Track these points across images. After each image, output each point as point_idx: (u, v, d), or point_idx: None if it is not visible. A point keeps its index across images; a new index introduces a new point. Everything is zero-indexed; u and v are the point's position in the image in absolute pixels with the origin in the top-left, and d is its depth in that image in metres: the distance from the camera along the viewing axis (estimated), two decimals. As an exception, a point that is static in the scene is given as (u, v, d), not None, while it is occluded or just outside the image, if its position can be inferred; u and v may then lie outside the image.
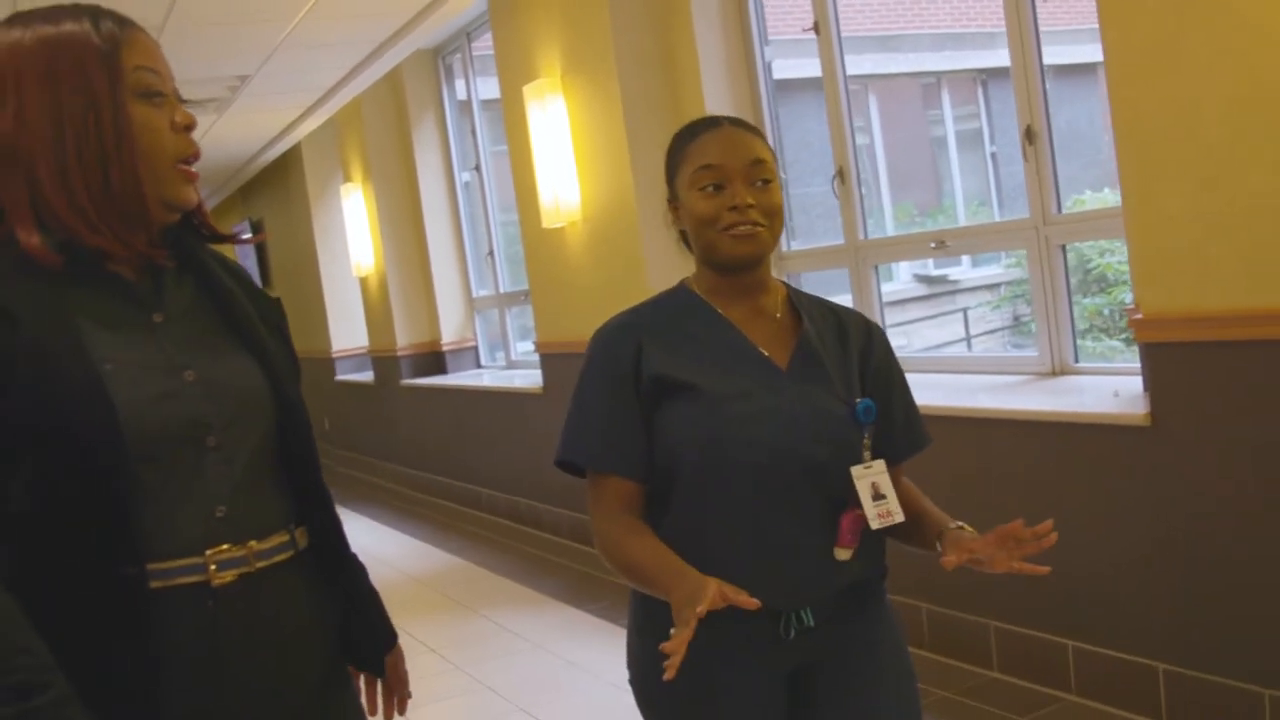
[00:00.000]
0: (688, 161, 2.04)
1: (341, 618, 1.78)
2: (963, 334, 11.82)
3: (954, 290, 12.38)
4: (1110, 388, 3.76)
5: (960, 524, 1.99)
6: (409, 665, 1.99)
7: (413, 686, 1.98)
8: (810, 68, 5.24)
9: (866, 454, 1.99)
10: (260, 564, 1.62)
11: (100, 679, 1.48)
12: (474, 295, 8.88)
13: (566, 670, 4.74)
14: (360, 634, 1.86)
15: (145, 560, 1.51)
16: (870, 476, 1.97)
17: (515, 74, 6.45)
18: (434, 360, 9.05)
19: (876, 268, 4.98)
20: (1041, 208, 4.15)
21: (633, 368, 2.00)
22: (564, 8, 5.90)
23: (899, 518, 1.96)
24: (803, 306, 2.10)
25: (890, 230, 10.73)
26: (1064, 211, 4.24)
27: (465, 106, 8.58)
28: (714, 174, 2.00)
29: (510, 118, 6.62)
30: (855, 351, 2.08)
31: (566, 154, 6.02)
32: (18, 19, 1.60)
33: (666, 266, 5.55)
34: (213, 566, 1.57)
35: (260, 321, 1.73)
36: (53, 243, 1.54)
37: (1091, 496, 3.56)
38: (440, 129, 8.88)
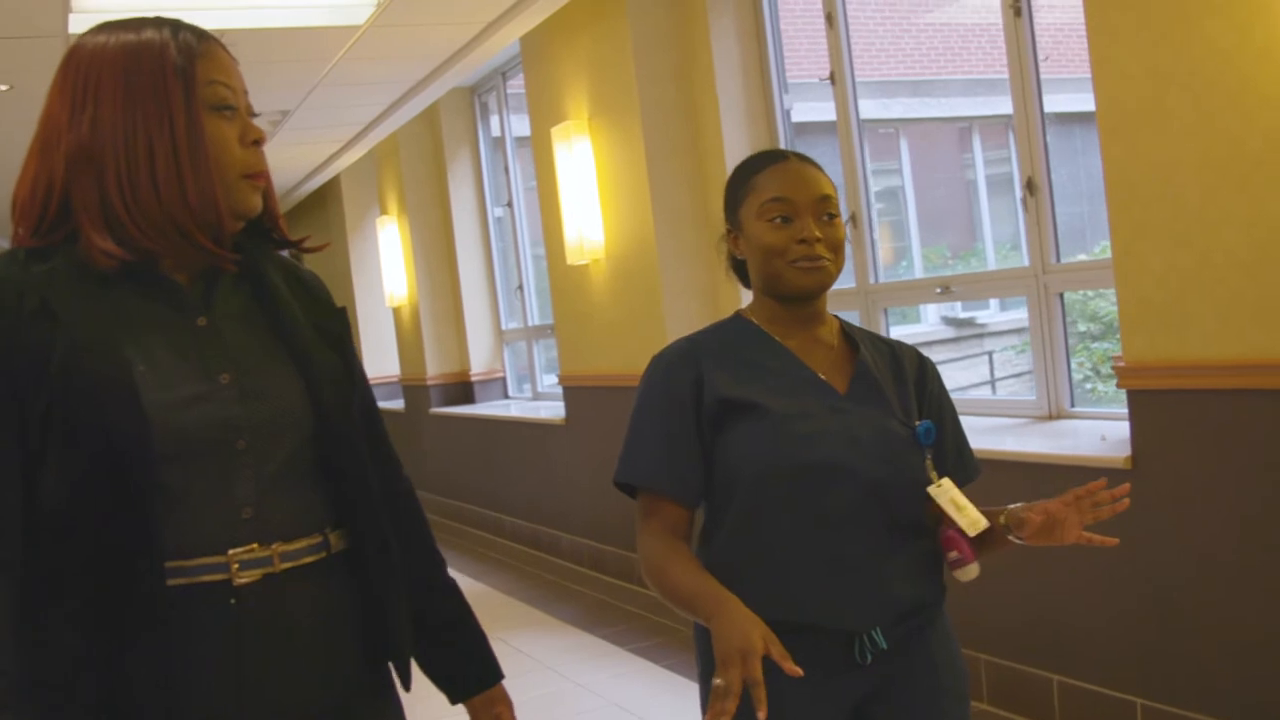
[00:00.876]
0: (755, 193, 2.07)
1: (386, 622, 1.76)
2: (988, 376, 11.94)
3: (980, 334, 12.50)
4: (1103, 431, 3.90)
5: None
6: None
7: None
8: (830, 111, 5.42)
9: (933, 474, 2.03)
10: (285, 565, 1.62)
11: (119, 675, 1.52)
12: (503, 328, 9.09)
13: (574, 691, 4.91)
14: (450, 666, 1.89)
15: (163, 558, 1.53)
16: (947, 493, 2.01)
17: (544, 116, 6.67)
18: (463, 390, 9.25)
19: (886, 310, 5.15)
20: (1041, 257, 4.31)
21: (693, 393, 2.04)
22: (591, 55, 6.12)
23: (985, 523, 1.99)
24: (857, 336, 2.15)
25: (919, 272, 10.90)
26: (1077, 259, 4.39)
27: (499, 143, 8.81)
28: (784, 207, 2.03)
29: (539, 157, 6.84)
30: (910, 381, 2.13)
31: (591, 194, 6.22)
32: (104, 27, 1.66)
33: (683, 303, 5.75)
34: (235, 566, 1.58)
35: (315, 330, 1.74)
36: (118, 245, 1.58)
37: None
38: (475, 165, 9.11)
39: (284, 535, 1.63)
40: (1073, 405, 4.34)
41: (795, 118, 5.72)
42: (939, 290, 4.86)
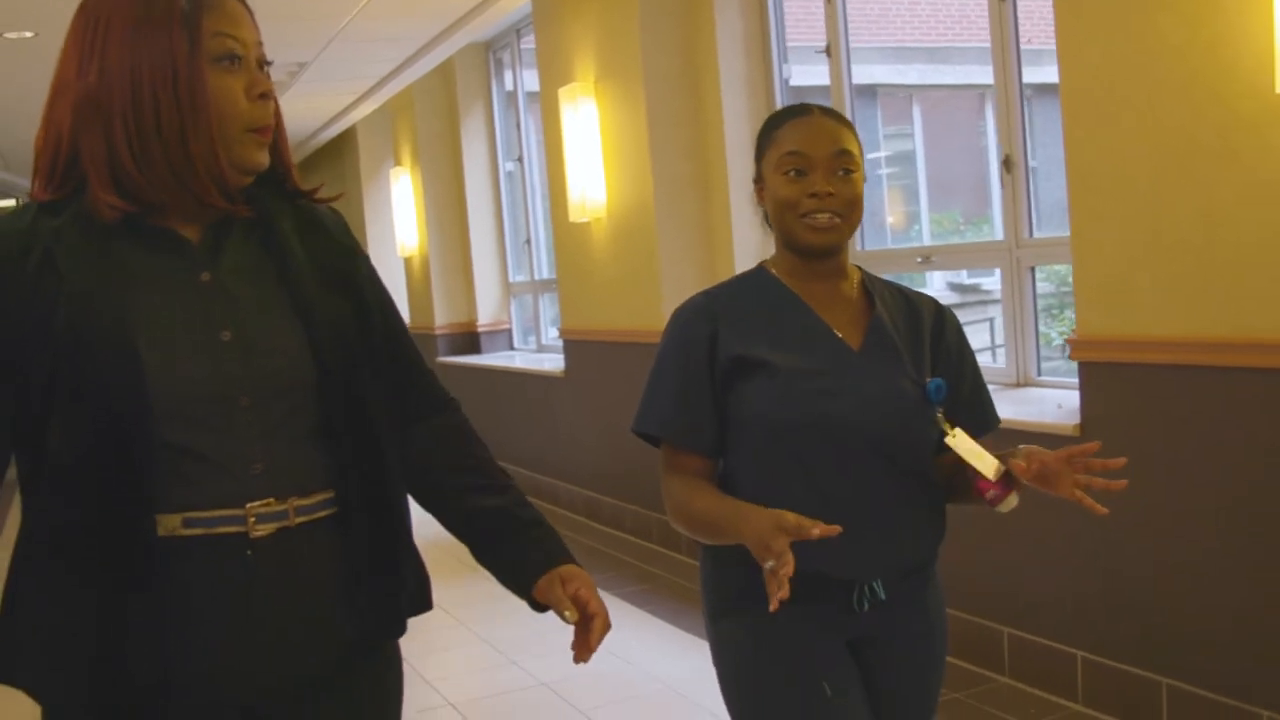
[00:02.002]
0: (775, 145, 2.10)
1: (399, 571, 1.75)
2: (989, 343, 12.14)
3: (985, 300, 12.68)
4: (1059, 400, 4.11)
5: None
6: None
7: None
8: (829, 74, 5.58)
9: (946, 426, 2.06)
10: (300, 519, 1.63)
11: (121, 626, 1.54)
12: (510, 280, 9.30)
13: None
14: (512, 555, 1.80)
15: (155, 513, 1.55)
16: (962, 444, 2.04)
17: (553, 76, 6.86)
18: (469, 340, 9.49)
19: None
20: (1015, 231, 4.51)
21: (708, 349, 2.08)
22: (599, 18, 6.30)
23: (1001, 465, 2.01)
24: (875, 289, 2.16)
25: (927, 238, 11.07)
26: (1058, 235, 4.58)
27: (512, 98, 9.00)
28: (798, 160, 2.05)
29: (546, 117, 7.04)
30: (926, 333, 2.14)
31: (595, 154, 6.42)
32: None
33: (678, 266, 5.97)
34: (252, 519, 1.59)
35: (325, 275, 1.71)
36: (123, 198, 1.58)
37: (1025, 498, 3.92)
38: (487, 119, 9.30)
39: (299, 490, 1.63)
40: (1039, 374, 4.55)
41: (797, 81, 5.90)
42: (919, 260, 5.06)
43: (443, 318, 9.63)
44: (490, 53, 9.16)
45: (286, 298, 1.67)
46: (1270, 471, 3.20)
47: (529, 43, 8.55)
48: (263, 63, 1.66)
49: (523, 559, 1.79)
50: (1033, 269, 4.53)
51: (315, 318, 1.67)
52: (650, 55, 5.93)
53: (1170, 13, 3.27)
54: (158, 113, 1.56)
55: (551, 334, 8.69)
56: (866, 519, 2.01)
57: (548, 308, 8.82)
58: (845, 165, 2.06)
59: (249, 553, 1.59)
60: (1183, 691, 3.49)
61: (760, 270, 2.18)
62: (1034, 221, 4.54)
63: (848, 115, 5.39)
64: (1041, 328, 5.84)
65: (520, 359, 8.80)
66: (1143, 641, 3.62)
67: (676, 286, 5.94)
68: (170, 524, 1.56)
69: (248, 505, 1.59)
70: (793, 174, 2.06)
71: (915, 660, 2.15)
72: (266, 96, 1.64)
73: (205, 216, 1.66)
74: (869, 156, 5.61)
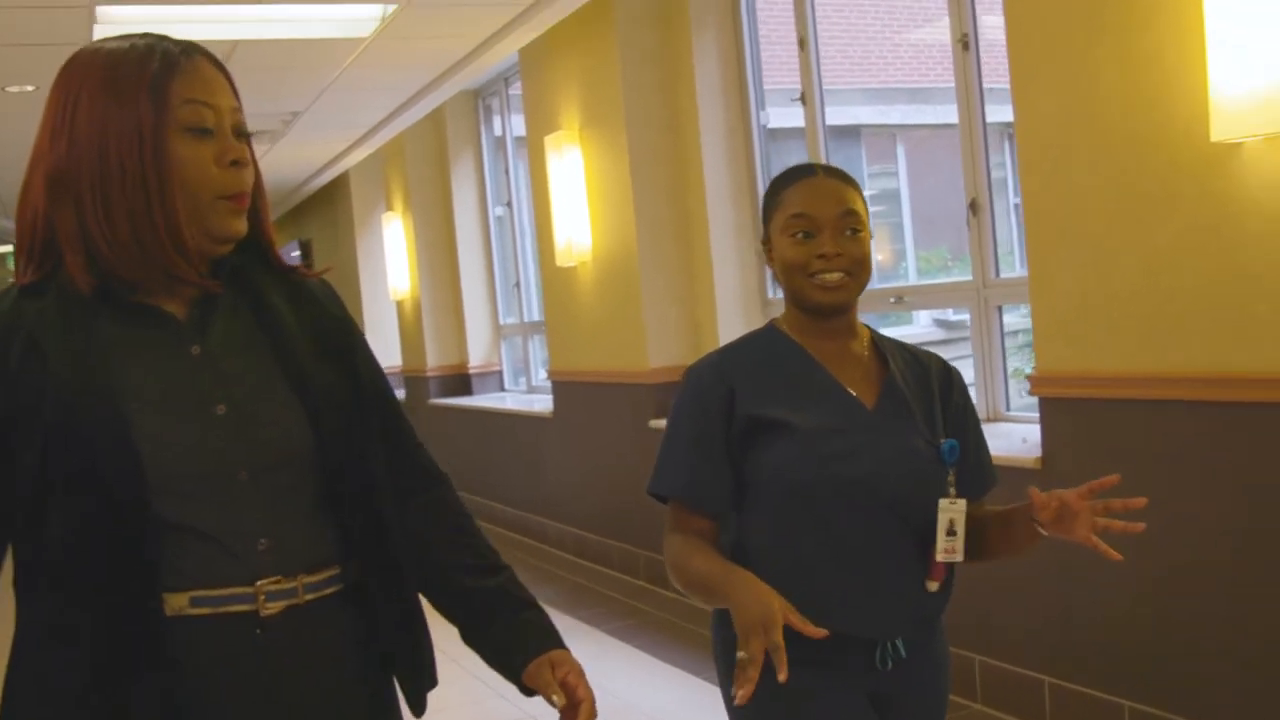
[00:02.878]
0: (781, 208, 2.11)
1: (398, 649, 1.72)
2: (971, 379, 12.31)
3: (968, 337, 12.87)
4: (1024, 435, 4.27)
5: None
6: None
7: None
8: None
9: (952, 490, 2.06)
10: (309, 596, 1.60)
11: (121, 712, 1.50)
12: (501, 322, 9.47)
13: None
14: (503, 639, 1.77)
15: (161, 594, 1.51)
16: (951, 512, 2.04)
17: (539, 124, 7.05)
18: (461, 382, 9.64)
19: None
20: (982, 272, 4.69)
21: (723, 408, 2.08)
22: (583, 68, 6.50)
23: (959, 558, 2.04)
24: (886, 349, 2.17)
25: (913, 277, 11.27)
26: (1019, 274, 4.76)
27: (501, 144, 9.19)
28: (805, 222, 2.06)
29: (534, 163, 7.23)
30: (936, 392, 2.15)
31: (580, 200, 6.60)
32: (101, 42, 1.63)
33: (661, 307, 6.14)
34: (262, 597, 1.55)
35: (318, 346, 1.68)
36: (97, 274, 1.55)
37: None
38: (477, 165, 9.49)
39: (306, 566, 1.61)
40: (1009, 409, 4.72)
41: (775, 124, 6.10)
42: (893, 300, 5.24)
43: (434, 360, 9.79)
44: (479, 100, 9.37)
45: (280, 370, 1.64)
46: (1215, 496, 3.36)
47: (517, 89, 8.74)
48: (239, 131, 1.62)
49: (514, 643, 1.75)
50: (1000, 308, 4.71)
51: (311, 389, 1.64)
52: (632, 104, 6.12)
53: (1115, 67, 3.46)
54: (124, 184, 1.53)
55: (541, 375, 8.85)
56: (884, 577, 2.04)
57: (538, 349, 8.97)
58: (852, 225, 2.07)
59: (258, 632, 1.56)
60: (1145, 714, 3.64)
61: (771, 329, 2.19)
62: (1018, 256, 4.71)
63: (822, 157, 5.59)
64: (1018, 363, 6.04)
65: (511, 400, 8.96)
66: (1106, 666, 3.77)
67: (660, 328, 6.13)
68: (177, 603, 1.53)
69: (258, 583, 1.56)
70: (800, 236, 2.07)
71: (926, 706, 2.17)
72: (239, 164, 1.59)
73: (188, 291, 1.62)
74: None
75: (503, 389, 9.56)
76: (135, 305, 1.60)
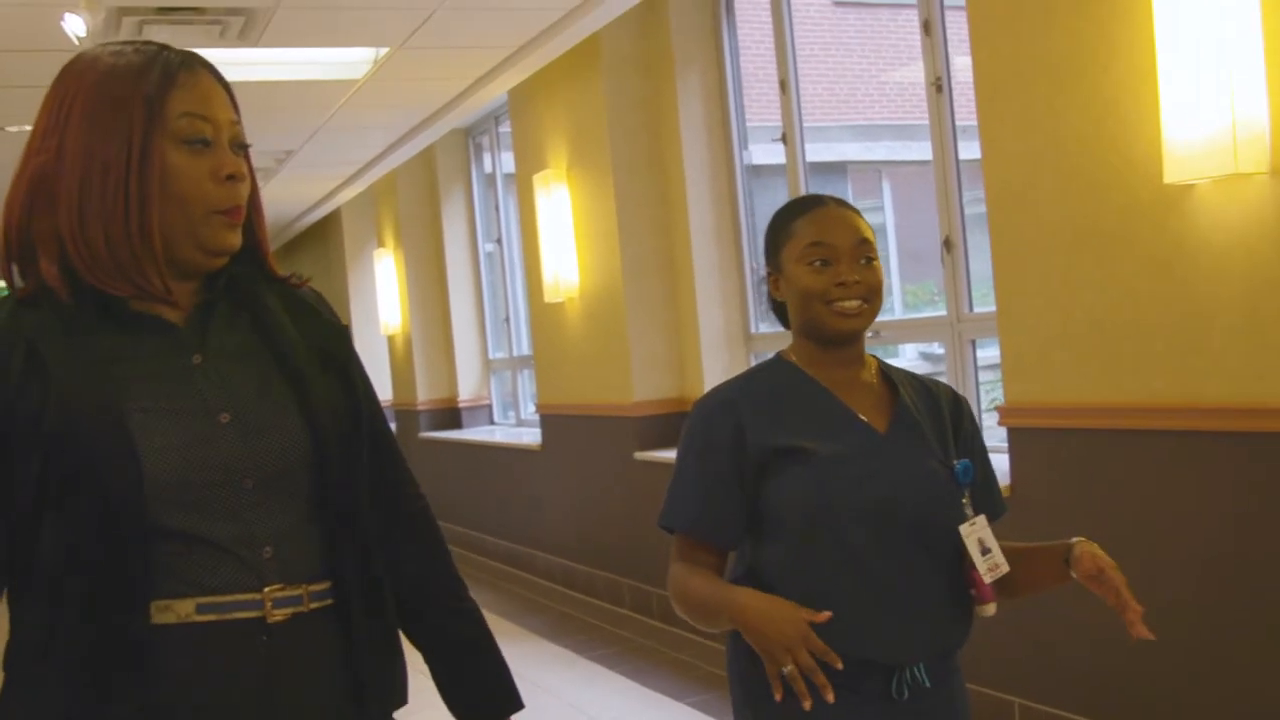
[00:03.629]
0: (796, 237, 2.10)
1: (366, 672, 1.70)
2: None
3: (955, 370, 13.02)
4: (999, 463, 4.41)
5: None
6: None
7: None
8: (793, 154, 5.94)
9: (969, 511, 2.06)
10: (314, 605, 1.60)
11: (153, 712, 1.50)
12: (490, 357, 9.61)
13: (531, 690, 5.39)
14: (465, 691, 1.82)
15: (149, 604, 1.51)
16: (976, 533, 2.05)
17: (527, 163, 7.22)
18: (451, 415, 9.77)
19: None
20: (956, 307, 4.83)
21: (733, 439, 2.07)
22: (569, 109, 6.66)
23: (1005, 569, 2.05)
24: (895, 377, 2.17)
25: (899, 311, 11.43)
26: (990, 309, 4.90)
27: (491, 181, 9.35)
28: (823, 250, 2.06)
29: (522, 201, 7.39)
30: (947, 418, 2.16)
31: (568, 237, 6.75)
32: (102, 47, 1.62)
33: (646, 343, 6.29)
34: (269, 604, 1.56)
35: (319, 355, 1.68)
36: (72, 280, 1.54)
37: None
38: (467, 202, 9.65)
39: (309, 575, 1.61)
40: (986, 440, 4.85)
41: (757, 160, 6.26)
42: (870, 334, 5.36)
43: (425, 394, 9.92)
44: (470, 138, 9.53)
45: (281, 377, 1.64)
46: (1176, 523, 3.50)
47: (507, 127, 8.91)
48: (237, 143, 1.61)
49: (475, 701, 1.82)
50: (974, 342, 4.85)
51: (311, 397, 1.64)
52: (618, 143, 6.29)
53: (1076, 112, 3.62)
54: (104, 191, 1.52)
55: (530, 409, 8.97)
56: (907, 602, 2.02)
57: (526, 383, 9.10)
58: (867, 254, 2.08)
59: (265, 638, 1.56)
60: (1108, 733, 3.77)
61: (779, 360, 2.19)
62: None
63: (801, 185, 5.74)
64: (998, 395, 6.20)
65: (500, 433, 9.08)
66: (1073, 688, 3.89)
67: (646, 362, 6.27)
68: (183, 610, 1.53)
69: (266, 590, 1.56)
70: (818, 264, 2.06)
71: None
72: (235, 178, 1.59)
73: (187, 300, 1.62)
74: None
75: (492, 422, 9.69)
76: (135, 314, 1.59)
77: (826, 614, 1.89)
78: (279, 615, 1.57)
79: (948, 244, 4.84)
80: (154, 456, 1.50)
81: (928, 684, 2.04)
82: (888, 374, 2.18)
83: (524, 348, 8.98)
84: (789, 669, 1.84)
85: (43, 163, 1.55)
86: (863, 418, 2.09)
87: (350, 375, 1.72)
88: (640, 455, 6.26)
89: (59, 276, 1.53)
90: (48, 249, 1.54)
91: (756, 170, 6.43)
